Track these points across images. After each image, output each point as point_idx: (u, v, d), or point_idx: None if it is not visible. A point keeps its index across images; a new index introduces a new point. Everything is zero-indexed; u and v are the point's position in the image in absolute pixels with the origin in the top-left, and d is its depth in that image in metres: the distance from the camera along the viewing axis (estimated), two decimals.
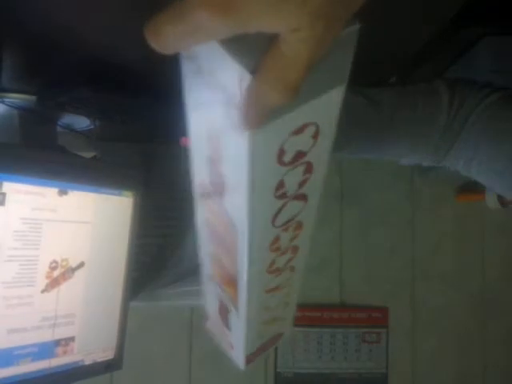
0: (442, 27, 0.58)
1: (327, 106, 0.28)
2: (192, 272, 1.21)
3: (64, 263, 0.78)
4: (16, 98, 0.76)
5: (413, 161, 0.59)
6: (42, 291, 0.74)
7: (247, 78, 0.23)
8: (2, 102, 0.76)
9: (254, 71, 0.23)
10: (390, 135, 0.56)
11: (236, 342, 0.47)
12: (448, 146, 0.56)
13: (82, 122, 0.88)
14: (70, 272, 0.79)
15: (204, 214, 0.37)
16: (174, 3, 0.22)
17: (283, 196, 0.32)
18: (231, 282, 0.39)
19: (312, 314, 1.49)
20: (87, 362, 0.84)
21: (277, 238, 0.35)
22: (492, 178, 0.55)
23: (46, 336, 0.76)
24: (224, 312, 0.45)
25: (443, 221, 1.60)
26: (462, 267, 1.61)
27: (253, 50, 0.23)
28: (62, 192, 0.77)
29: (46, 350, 0.76)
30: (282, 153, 0.28)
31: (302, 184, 0.33)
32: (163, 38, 0.22)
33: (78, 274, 0.80)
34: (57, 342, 0.78)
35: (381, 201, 1.58)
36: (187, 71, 0.28)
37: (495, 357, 1.58)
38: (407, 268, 1.59)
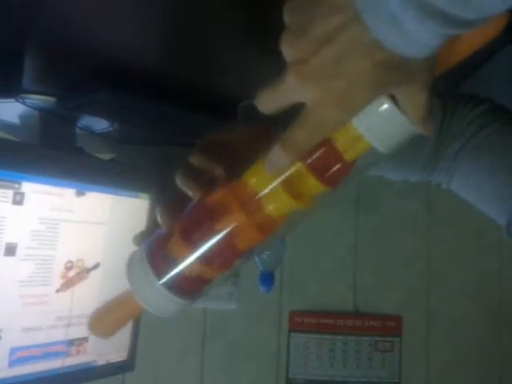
0: None
1: None
2: None
3: (79, 263, 0.78)
4: (36, 99, 0.77)
5: (398, 177, 0.58)
6: (57, 291, 0.75)
7: None
8: (23, 103, 0.77)
9: None
10: None
11: None
12: (434, 166, 0.56)
13: (100, 124, 0.89)
14: (85, 272, 0.79)
15: None
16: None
17: None
18: None
19: (325, 321, 1.48)
20: (100, 362, 0.84)
21: None
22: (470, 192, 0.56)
23: (60, 335, 0.76)
24: None
25: (461, 231, 1.58)
26: (479, 278, 1.58)
27: None
28: (80, 193, 0.77)
29: (59, 349, 0.77)
30: None
31: None
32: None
33: (93, 274, 0.81)
34: (70, 342, 0.78)
35: (398, 208, 1.56)
36: None
37: (511, 369, 1.56)
38: (423, 277, 1.57)
